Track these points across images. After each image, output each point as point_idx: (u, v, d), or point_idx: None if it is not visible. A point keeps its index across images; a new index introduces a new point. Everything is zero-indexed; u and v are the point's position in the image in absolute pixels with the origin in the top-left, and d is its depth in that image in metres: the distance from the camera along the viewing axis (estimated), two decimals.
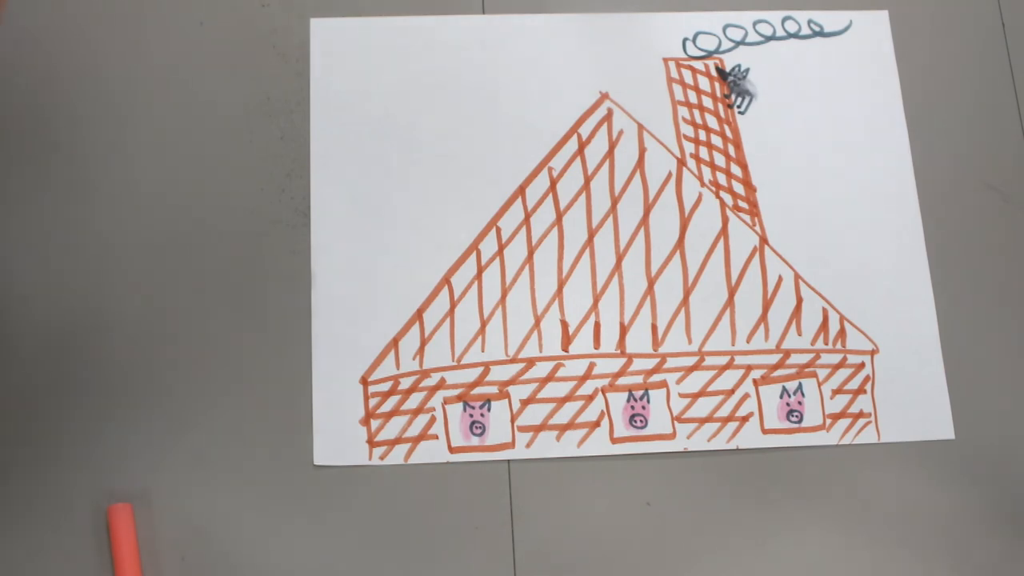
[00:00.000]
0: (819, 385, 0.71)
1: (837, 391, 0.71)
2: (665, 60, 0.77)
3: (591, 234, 0.73)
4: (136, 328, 0.69)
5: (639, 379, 0.70)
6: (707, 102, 0.76)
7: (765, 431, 0.70)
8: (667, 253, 0.73)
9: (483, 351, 0.70)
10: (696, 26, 0.78)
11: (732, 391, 0.70)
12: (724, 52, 0.77)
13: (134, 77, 0.74)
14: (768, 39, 0.78)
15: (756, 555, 0.68)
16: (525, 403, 0.69)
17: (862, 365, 0.71)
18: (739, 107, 0.76)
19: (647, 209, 0.73)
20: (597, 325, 0.71)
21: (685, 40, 0.77)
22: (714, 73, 0.77)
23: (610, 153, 0.74)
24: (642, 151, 0.75)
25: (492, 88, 0.75)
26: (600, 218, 0.73)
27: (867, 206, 0.75)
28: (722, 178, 0.75)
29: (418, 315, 0.70)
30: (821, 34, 0.78)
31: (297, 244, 0.71)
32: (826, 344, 0.72)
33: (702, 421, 0.69)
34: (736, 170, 0.75)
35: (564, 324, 0.71)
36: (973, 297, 0.73)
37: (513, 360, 0.70)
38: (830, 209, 0.74)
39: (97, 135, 0.73)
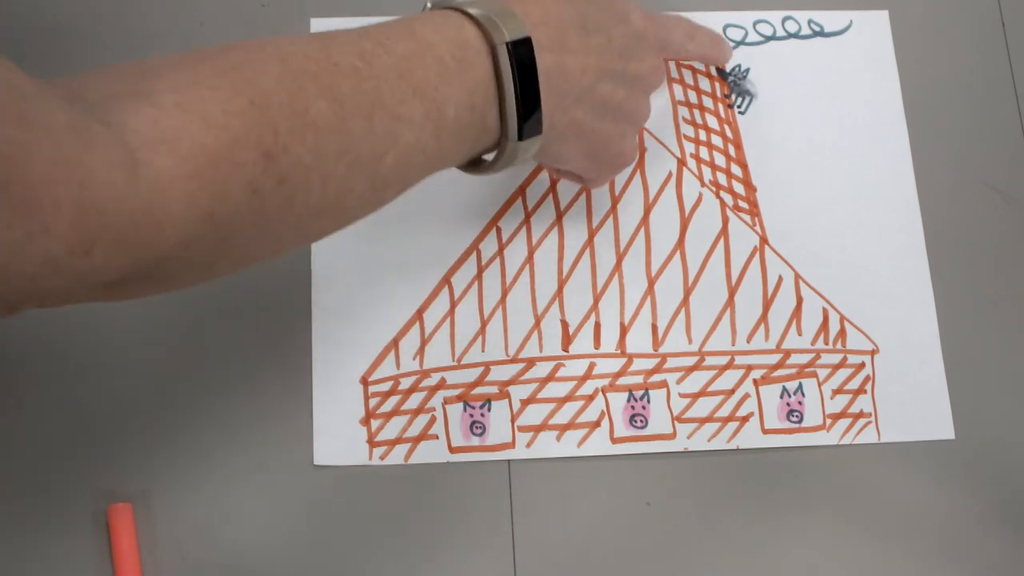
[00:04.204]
0: (819, 385, 0.71)
1: (837, 391, 0.71)
2: (665, 60, 0.77)
3: (591, 234, 0.73)
4: (135, 327, 0.69)
5: (639, 379, 0.70)
6: (707, 102, 0.76)
7: (765, 431, 0.70)
8: (667, 253, 0.73)
9: (483, 351, 0.70)
10: None
11: (732, 391, 0.70)
12: None
13: None
14: (768, 39, 0.78)
15: (756, 555, 0.67)
16: (525, 403, 0.69)
17: (862, 365, 0.71)
18: (739, 107, 0.76)
19: (647, 209, 0.73)
20: (597, 325, 0.71)
21: None
22: (714, 73, 0.77)
23: None
24: (642, 151, 0.74)
25: None
26: (600, 218, 0.73)
27: (867, 206, 0.75)
28: (722, 178, 0.75)
29: (418, 315, 0.70)
30: (821, 34, 0.78)
31: None
32: (826, 344, 0.72)
33: (702, 421, 0.69)
34: (736, 170, 0.75)
35: (564, 324, 0.71)
36: (973, 297, 0.73)
37: (513, 360, 0.70)
38: (830, 209, 0.74)
39: None
